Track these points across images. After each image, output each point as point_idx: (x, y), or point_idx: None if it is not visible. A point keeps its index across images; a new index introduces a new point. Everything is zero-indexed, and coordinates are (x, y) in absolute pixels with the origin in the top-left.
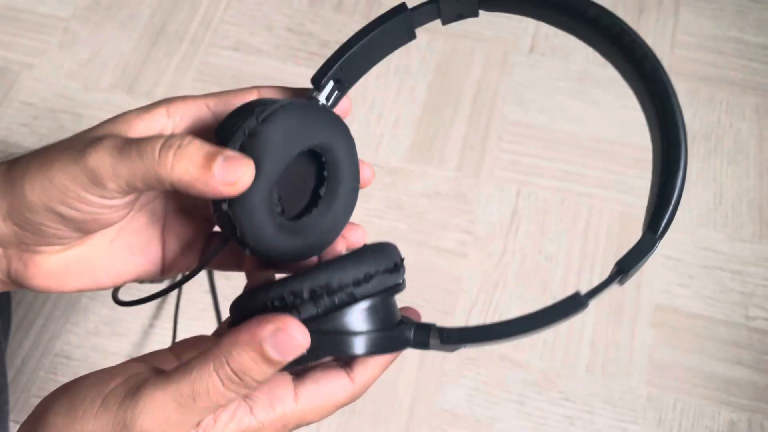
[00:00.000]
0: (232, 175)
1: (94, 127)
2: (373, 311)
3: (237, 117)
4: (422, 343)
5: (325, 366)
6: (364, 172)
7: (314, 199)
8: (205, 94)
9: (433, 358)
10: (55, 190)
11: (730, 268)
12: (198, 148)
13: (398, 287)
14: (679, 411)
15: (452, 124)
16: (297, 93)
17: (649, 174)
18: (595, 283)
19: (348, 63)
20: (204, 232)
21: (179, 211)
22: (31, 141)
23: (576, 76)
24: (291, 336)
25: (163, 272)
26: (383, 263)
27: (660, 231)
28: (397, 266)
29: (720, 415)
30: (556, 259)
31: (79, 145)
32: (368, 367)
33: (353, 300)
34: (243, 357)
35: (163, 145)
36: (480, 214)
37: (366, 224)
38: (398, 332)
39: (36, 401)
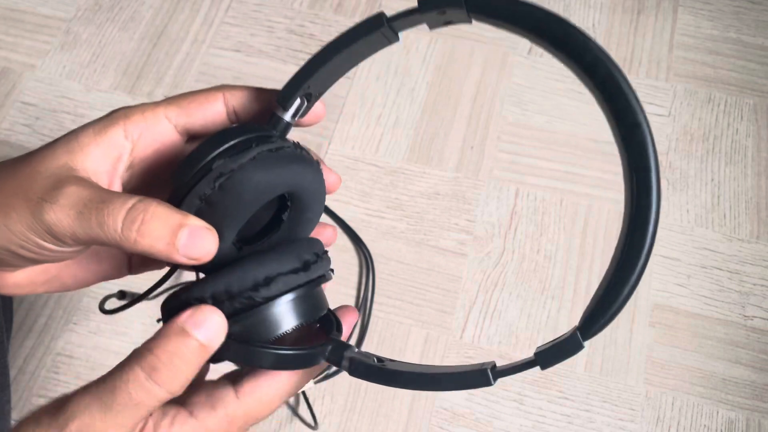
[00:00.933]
0: (196, 251)
1: (46, 152)
2: (280, 315)
3: (193, 170)
4: (335, 362)
5: None
6: (329, 178)
7: (275, 223)
8: (166, 101)
9: (433, 356)
10: (13, 236)
11: (728, 268)
12: (161, 225)
13: (310, 285)
14: (678, 410)
15: (452, 125)
16: (265, 97)
17: None
18: (594, 284)
19: (318, 77)
20: None
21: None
22: (33, 141)
23: (574, 77)
24: (205, 312)
25: (131, 271)
26: (288, 262)
27: (592, 336)
28: (307, 264)
29: (718, 413)
30: (554, 258)
31: (35, 190)
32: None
33: (254, 304)
34: (167, 344)
35: (125, 219)
36: (479, 214)
37: (366, 224)
38: (307, 352)
39: (37, 400)
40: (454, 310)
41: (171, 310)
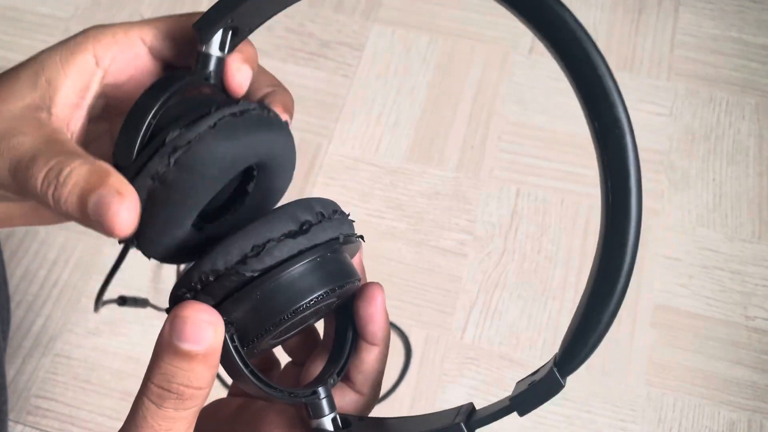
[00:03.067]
0: (106, 222)
1: (11, 87)
2: (283, 290)
3: (137, 140)
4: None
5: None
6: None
7: (239, 194)
8: (141, 22)
9: (433, 357)
10: None
11: (730, 268)
12: (71, 187)
13: (316, 250)
14: (679, 410)
15: (452, 124)
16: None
17: (648, 174)
18: None
19: (246, 8)
20: None
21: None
22: None
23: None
24: (186, 318)
25: None
26: (279, 226)
27: (572, 372)
28: (306, 225)
29: (720, 414)
30: (555, 258)
31: None
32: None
33: (245, 280)
34: (161, 366)
35: (42, 182)
36: (479, 214)
37: (366, 224)
38: (287, 395)
39: (36, 401)
40: (454, 311)
41: (170, 304)
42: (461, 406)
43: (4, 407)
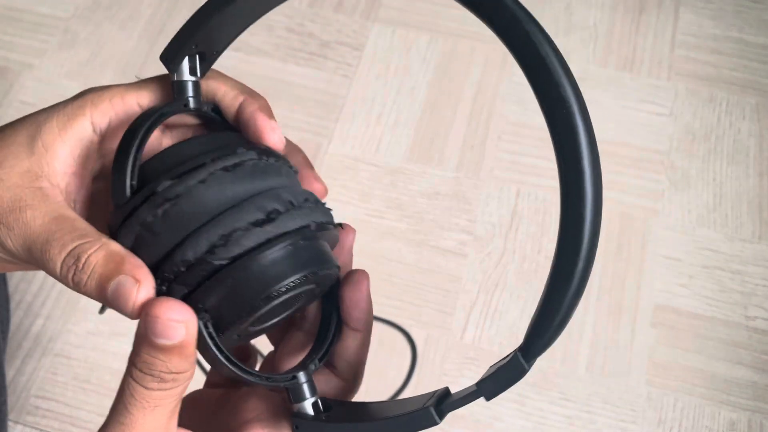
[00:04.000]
0: (124, 306)
1: (6, 153)
2: (253, 277)
3: (128, 188)
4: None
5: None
6: (313, 188)
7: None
8: (138, 84)
9: (433, 357)
10: None
11: (730, 268)
12: (90, 273)
13: (286, 238)
14: (680, 411)
15: (452, 124)
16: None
17: (649, 174)
18: (596, 284)
19: (208, 34)
20: None
21: None
22: None
23: (576, 76)
24: (156, 318)
25: None
26: (245, 215)
27: (536, 356)
28: (273, 214)
29: (720, 414)
30: None
31: None
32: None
33: (214, 269)
34: (141, 355)
35: (62, 266)
36: (480, 214)
37: (366, 224)
38: (262, 379)
39: (36, 401)
40: (454, 311)
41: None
42: (437, 391)
43: (3, 407)
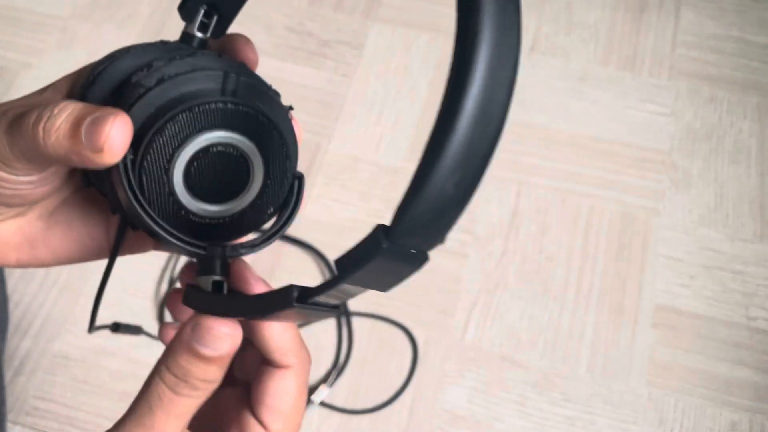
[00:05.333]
0: (96, 138)
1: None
2: (172, 88)
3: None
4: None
5: (259, 378)
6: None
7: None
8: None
9: (434, 358)
10: None
11: (731, 268)
12: (65, 116)
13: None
14: (681, 411)
15: None
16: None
17: (650, 174)
18: (597, 284)
19: None
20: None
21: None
22: None
23: (576, 75)
24: (208, 329)
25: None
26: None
27: (399, 237)
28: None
29: (721, 415)
30: (556, 259)
31: None
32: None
33: (139, 95)
34: (178, 361)
35: (35, 120)
36: (480, 214)
37: (366, 224)
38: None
39: (34, 402)
40: (455, 312)
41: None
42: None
43: (2, 408)
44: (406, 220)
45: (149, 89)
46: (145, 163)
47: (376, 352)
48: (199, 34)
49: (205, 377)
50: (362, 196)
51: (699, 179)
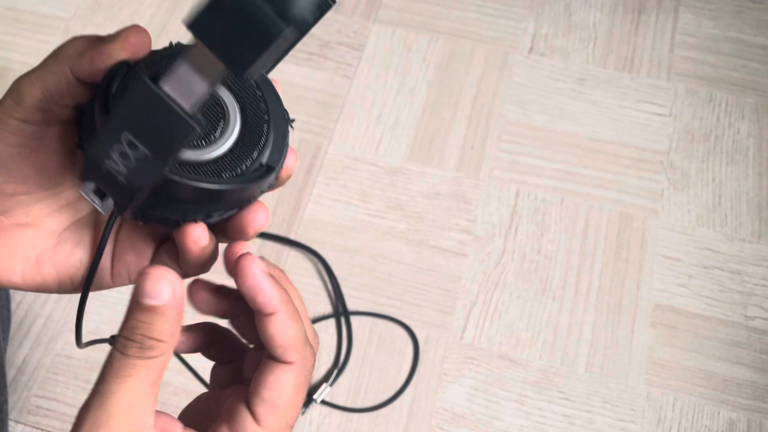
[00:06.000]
0: (118, 33)
1: None
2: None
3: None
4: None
5: (261, 370)
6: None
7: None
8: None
9: (434, 357)
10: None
11: (729, 268)
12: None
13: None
14: (679, 410)
15: (452, 124)
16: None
17: (648, 174)
18: (595, 284)
19: None
20: (156, 237)
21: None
22: None
23: (575, 76)
24: (148, 274)
25: (113, 277)
26: None
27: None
28: None
29: (719, 414)
30: (555, 258)
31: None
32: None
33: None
34: (127, 321)
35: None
36: (480, 214)
37: (366, 224)
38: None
39: (37, 401)
40: (454, 311)
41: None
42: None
43: (4, 407)
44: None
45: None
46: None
47: (377, 351)
48: None
49: (151, 333)
50: (362, 196)
51: (697, 179)
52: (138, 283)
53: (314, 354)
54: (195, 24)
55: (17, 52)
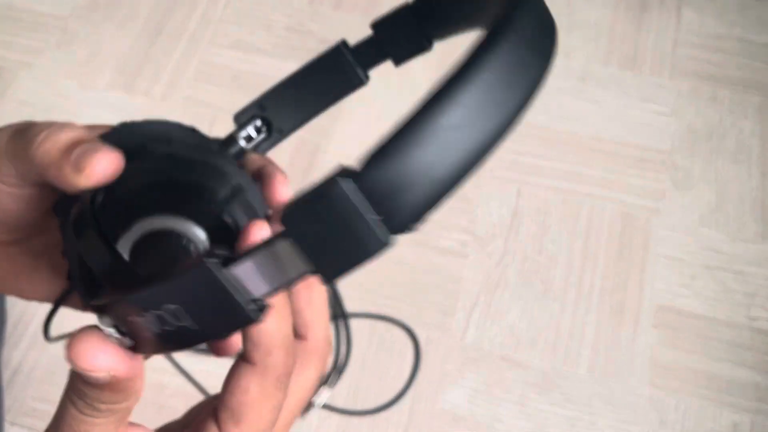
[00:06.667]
0: (86, 160)
1: None
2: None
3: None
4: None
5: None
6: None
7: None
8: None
9: (434, 358)
10: None
11: (733, 269)
12: (67, 133)
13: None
14: (682, 412)
15: None
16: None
17: (651, 173)
18: (597, 285)
19: (277, 100)
20: None
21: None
22: None
23: (577, 75)
24: (75, 352)
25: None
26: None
27: (369, 180)
28: None
29: (722, 416)
30: (556, 259)
31: None
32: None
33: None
34: (75, 383)
35: (39, 134)
36: (480, 214)
37: None
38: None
39: (33, 403)
40: (455, 312)
41: None
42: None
43: (0, 409)
44: (384, 167)
45: (151, 157)
46: (109, 210)
47: (377, 353)
48: (242, 143)
49: (102, 400)
50: None
51: (700, 179)
52: (69, 357)
53: (316, 357)
54: (289, 219)
55: (14, 50)
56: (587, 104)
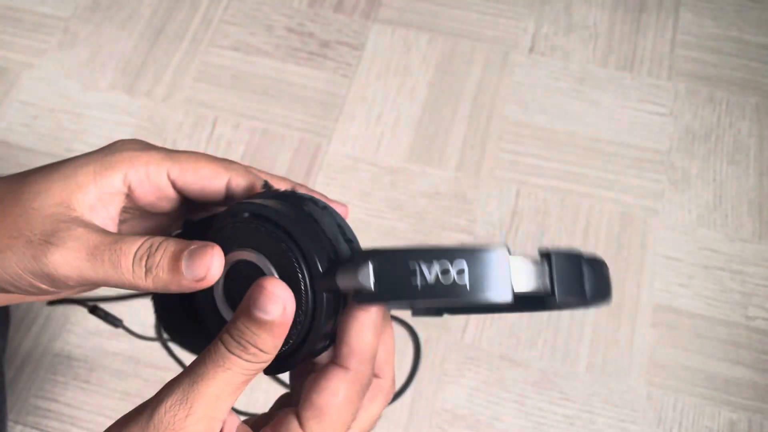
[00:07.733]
0: (200, 270)
1: (40, 187)
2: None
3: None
4: None
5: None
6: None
7: None
8: (171, 159)
9: (434, 357)
10: (7, 276)
11: (730, 268)
12: (164, 253)
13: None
14: (679, 411)
15: (452, 124)
16: (256, 183)
17: (649, 174)
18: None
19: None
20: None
21: (139, 214)
22: (31, 140)
23: (576, 76)
24: (261, 286)
25: None
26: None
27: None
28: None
29: (720, 414)
30: None
31: (35, 232)
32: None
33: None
34: (236, 323)
35: (134, 257)
36: (480, 214)
37: (366, 224)
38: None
39: (36, 401)
40: None
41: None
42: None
43: (3, 407)
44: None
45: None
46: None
47: None
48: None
49: (256, 342)
50: (362, 196)
51: (698, 179)
52: (252, 293)
53: (383, 394)
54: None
55: (16, 51)
56: (586, 105)
